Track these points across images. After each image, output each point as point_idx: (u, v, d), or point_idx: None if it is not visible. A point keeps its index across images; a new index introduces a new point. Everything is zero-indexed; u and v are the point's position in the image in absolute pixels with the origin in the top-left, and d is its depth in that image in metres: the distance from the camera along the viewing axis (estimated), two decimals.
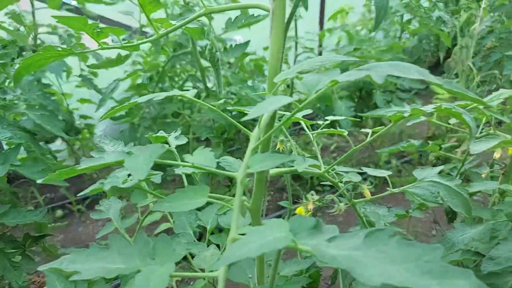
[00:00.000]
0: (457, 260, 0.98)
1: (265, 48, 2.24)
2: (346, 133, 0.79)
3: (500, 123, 1.18)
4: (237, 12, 1.32)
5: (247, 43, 1.67)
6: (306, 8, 1.93)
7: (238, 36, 3.86)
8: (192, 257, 0.86)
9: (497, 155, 0.95)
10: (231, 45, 1.71)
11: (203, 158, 0.47)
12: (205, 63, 1.91)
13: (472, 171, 1.12)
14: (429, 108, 0.60)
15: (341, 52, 2.05)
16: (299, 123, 0.95)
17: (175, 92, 0.60)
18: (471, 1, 3.32)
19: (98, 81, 2.30)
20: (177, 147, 0.75)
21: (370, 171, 0.83)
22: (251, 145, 0.50)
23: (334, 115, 0.93)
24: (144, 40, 0.68)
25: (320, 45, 3.56)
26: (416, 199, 0.75)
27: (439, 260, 0.30)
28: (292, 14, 0.57)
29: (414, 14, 2.99)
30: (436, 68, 3.65)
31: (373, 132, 0.74)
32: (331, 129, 0.86)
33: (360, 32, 2.98)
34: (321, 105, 2.13)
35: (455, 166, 1.21)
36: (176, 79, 2.23)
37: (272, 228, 0.34)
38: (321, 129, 0.87)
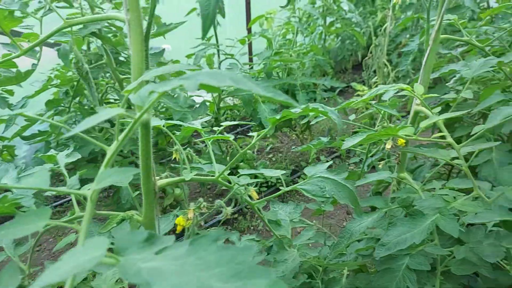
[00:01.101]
0: (362, 248, 1.03)
1: (188, 56, 2.23)
2: (232, 138, 0.81)
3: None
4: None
5: (162, 52, 1.65)
6: (223, 15, 1.92)
7: (167, 45, 3.80)
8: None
9: (388, 146, 1.02)
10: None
11: (34, 180, 0.45)
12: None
13: (376, 163, 1.19)
14: (297, 109, 0.63)
15: (261, 57, 2.10)
16: (237, 127, 0.95)
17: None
18: (386, 2, 3.53)
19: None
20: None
21: (267, 172, 0.85)
22: (106, 159, 0.48)
23: (259, 118, 0.95)
24: (8, 57, 0.64)
25: (250, 51, 3.62)
26: (308, 195, 0.78)
27: (249, 261, 0.31)
28: (150, 24, 0.56)
29: (335, 16, 3.14)
30: (360, 66, 3.87)
31: (258, 134, 0.76)
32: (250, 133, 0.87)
33: (287, 35, 3.07)
34: (248, 110, 2.15)
35: (361, 158, 1.28)
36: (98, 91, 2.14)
37: (91, 247, 0.33)
38: (218, 133, 0.87)
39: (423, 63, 0.94)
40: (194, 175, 0.72)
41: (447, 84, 1.49)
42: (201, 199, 0.72)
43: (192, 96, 2.60)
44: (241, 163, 2.74)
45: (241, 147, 3.03)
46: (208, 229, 2.74)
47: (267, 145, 3.23)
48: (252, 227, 2.43)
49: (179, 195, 2.24)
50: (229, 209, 0.72)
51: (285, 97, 0.37)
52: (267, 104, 2.08)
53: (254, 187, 0.81)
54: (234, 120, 3.07)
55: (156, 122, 0.76)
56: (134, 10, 0.55)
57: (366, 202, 0.96)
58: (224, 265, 0.31)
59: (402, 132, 0.76)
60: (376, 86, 1.40)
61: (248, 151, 3.06)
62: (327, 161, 2.77)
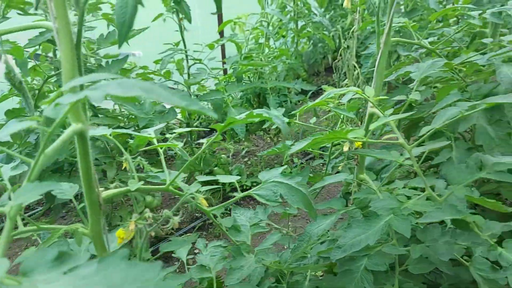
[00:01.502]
0: (324, 250, 1.03)
1: (156, 61, 2.20)
2: (180, 146, 0.79)
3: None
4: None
5: (125, 59, 1.62)
6: (189, 20, 1.91)
7: (138, 51, 3.75)
8: None
9: (345, 148, 1.03)
10: (107, 62, 1.64)
11: None
12: None
13: (336, 166, 1.20)
14: (242, 115, 0.62)
15: (229, 61, 2.09)
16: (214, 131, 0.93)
17: None
18: (354, 6, 3.57)
19: None
20: None
21: (222, 178, 0.84)
22: (28, 173, 0.46)
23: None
24: None
25: (223, 55, 3.61)
26: (261, 200, 0.77)
27: (155, 278, 0.30)
28: (80, 32, 0.55)
29: (305, 20, 3.17)
30: (332, 69, 3.92)
31: (208, 140, 0.74)
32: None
33: (259, 39, 3.07)
34: (218, 114, 2.14)
35: (325, 160, 1.29)
36: None
37: None
38: (172, 141, 0.86)
39: (375, 66, 0.95)
40: (142, 185, 0.70)
41: (409, 85, 1.51)
42: (146, 210, 0.70)
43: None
44: (216, 168, 2.72)
45: (214, 151, 3.01)
46: (183, 236, 2.70)
47: (243, 148, 3.22)
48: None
49: (150, 203, 2.20)
50: (176, 219, 0.70)
51: (200, 106, 0.36)
52: (238, 108, 2.07)
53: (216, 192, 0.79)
54: (209, 125, 3.04)
55: (102, 131, 0.73)
56: (62, 18, 0.53)
57: (325, 205, 0.96)
58: (131, 283, 0.30)
59: (352, 135, 0.77)
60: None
61: (223, 155, 3.05)
62: (301, 163, 2.77)
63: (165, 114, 1.94)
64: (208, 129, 1.90)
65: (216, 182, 0.85)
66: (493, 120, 1.19)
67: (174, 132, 0.83)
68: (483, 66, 1.12)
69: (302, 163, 2.72)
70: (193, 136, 2.60)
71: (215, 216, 0.84)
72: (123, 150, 0.76)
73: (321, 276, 1.34)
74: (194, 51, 2.09)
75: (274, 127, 2.40)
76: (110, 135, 0.74)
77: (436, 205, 0.79)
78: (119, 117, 2.01)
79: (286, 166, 0.86)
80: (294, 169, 2.62)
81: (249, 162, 3.09)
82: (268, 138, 3.12)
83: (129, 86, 0.35)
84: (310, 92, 3.01)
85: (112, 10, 1.95)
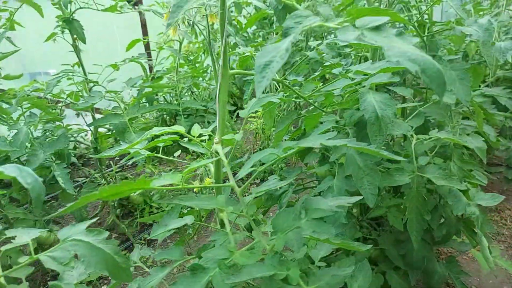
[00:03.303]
0: None
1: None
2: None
3: None
4: None
5: None
6: (84, 41, 1.74)
7: (53, 69, 3.54)
8: None
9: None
10: None
11: None
12: None
13: None
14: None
15: (129, 83, 1.97)
16: None
17: None
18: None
19: None
20: None
21: None
22: None
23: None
24: None
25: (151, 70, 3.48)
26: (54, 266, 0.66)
27: None
28: None
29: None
30: None
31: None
32: None
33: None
34: (121, 138, 2.01)
35: None
36: None
37: None
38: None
39: (216, 98, 0.88)
40: None
41: None
42: None
43: (70, 124, 2.39)
44: (133, 194, 2.57)
45: (139, 174, 2.83)
46: None
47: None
48: None
49: (46, 239, 1.99)
50: None
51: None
52: (138, 133, 1.95)
53: None
54: None
55: None
56: None
57: (161, 255, 0.86)
58: None
59: (160, 182, 0.68)
60: None
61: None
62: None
63: (54, 141, 1.78)
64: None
65: None
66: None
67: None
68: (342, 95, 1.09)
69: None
70: (102, 163, 2.44)
71: None
72: None
73: None
74: (90, 73, 1.95)
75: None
76: None
77: (260, 257, 0.72)
78: None
79: (94, 219, 0.75)
80: None
81: None
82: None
83: None
84: (235, 111, 2.95)
85: None
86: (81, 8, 1.87)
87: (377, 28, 0.46)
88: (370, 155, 1.15)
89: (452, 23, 1.28)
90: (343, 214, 1.20)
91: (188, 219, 0.89)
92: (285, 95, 1.05)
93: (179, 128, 0.75)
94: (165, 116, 2.50)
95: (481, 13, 1.78)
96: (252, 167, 0.77)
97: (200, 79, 2.52)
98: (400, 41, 0.44)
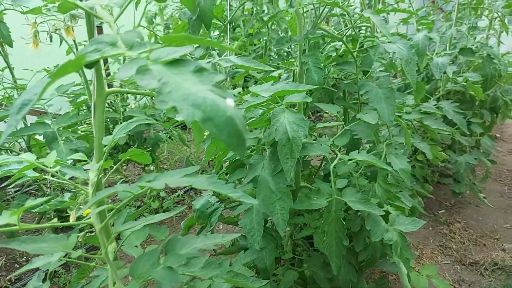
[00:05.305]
0: None
1: None
2: None
3: None
4: None
5: None
6: (10, 44, 1.59)
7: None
8: None
9: (71, 218, 0.86)
10: None
11: None
12: None
13: None
14: None
15: (60, 90, 1.86)
16: None
17: None
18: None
19: None
20: None
21: None
22: None
23: None
24: None
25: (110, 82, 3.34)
26: None
27: None
28: None
29: None
30: None
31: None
32: None
33: None
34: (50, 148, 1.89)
35: None
36: None
37: None
38: None
39: (92, 120, 0.79)
40: None
41: None
42: None
43: None
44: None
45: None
46: None
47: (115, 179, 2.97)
48: None
49: None
50: None
51: None
52: (67, 144, 1.84)
53: None
54: None
55: None
56: None
57: None
58: None
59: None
60: None
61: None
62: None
63: None
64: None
65: None
66: (277, 171, 1.10)
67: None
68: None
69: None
70: None
71: None
72: None
73: None
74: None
75: None
76: None
77: None
78: None
79: None
80: None
81: None
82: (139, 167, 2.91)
83: None
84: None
85: None
86: (6, 9, 1.75)
87: (173, 62, 0.38)
88: (283, 178, 1.08)
89: (377, 38, 1.23)
90: (257, 239, 1.13)
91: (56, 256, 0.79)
92: None
93: (28, 157, 0.65)
94: (108, 123, 2.39)
95: (420, 27, 1.74)
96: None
97: None
98: (194, 79, 0.37)
